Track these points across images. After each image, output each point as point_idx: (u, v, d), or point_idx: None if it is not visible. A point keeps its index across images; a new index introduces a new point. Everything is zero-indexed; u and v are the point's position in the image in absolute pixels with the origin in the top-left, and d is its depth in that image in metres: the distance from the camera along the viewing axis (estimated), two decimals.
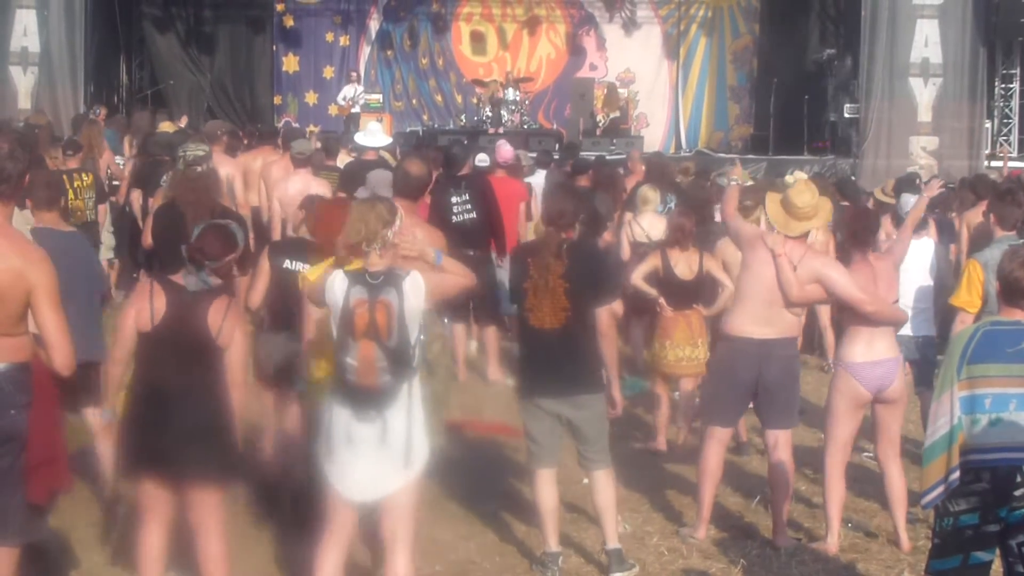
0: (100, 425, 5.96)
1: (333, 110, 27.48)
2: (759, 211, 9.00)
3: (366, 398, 5.63)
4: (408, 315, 5.62)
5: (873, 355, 7.41)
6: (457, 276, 6.09)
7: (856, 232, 7.77)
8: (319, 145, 15.34)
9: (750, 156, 23.97)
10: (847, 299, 7.47)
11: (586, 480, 7.49)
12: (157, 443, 5.76)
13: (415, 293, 5.63)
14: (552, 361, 6.89)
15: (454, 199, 11.49)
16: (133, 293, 6.01)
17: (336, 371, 5.70)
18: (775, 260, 7.36)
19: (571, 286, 6.81)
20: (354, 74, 26.31)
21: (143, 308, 5.79)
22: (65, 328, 5.36)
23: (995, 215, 8.65)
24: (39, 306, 5.24)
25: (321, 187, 11.73)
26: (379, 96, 25.59)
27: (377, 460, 5.64)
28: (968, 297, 7.89)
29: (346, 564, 5.95)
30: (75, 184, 12.66)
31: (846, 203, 12.84)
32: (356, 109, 24.23)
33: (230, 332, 5.79)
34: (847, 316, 7.63)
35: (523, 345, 7.11)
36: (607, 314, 6.99)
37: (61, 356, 5.31)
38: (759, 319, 7.45)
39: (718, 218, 10.14)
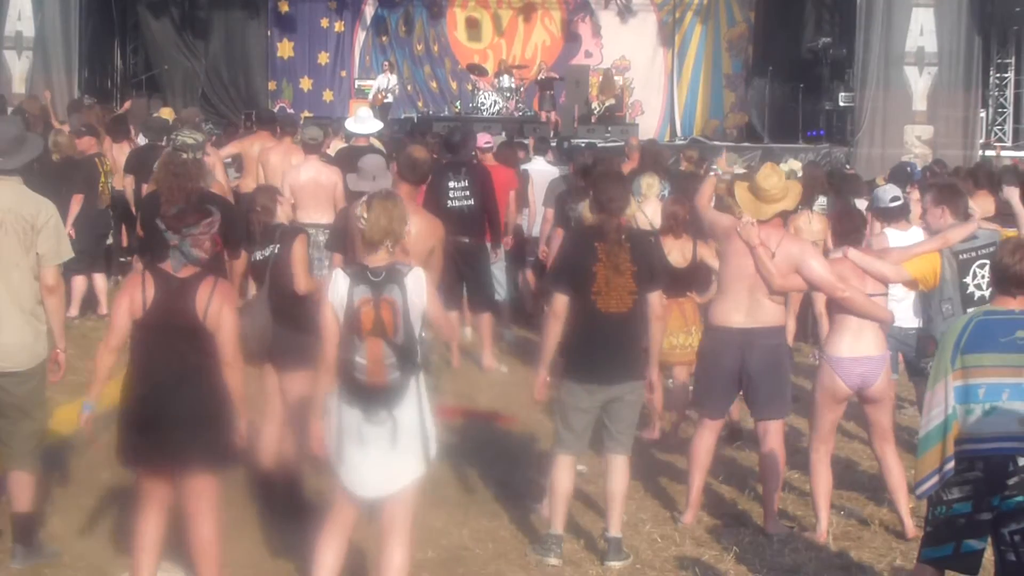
0: (83, 418, 5.89)
1: (328, 96, 27.45)
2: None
3: (375, 397, 5.63)
4: (412, 311, 5.65)
5: (857, 351, 7.41)
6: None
7: (840, 232, 7.87)
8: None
9: (745, 144, 23.98)
10: (820, 285, 7.53)
11: (581, 467, 7.49)
12: (155, 432, 5.75)
13: (417, 289, 5.66)
14: (613, 346, 6.89)
15: (452, 184, 11.44)
16: (126, 281, 6.00)
17: (343, 370, 5.67)
18: (752, 251, 7.40)
19: (637, 270, 6.86)
20: (387, 64, 26.22)
21: (135, 296, 5.80)
22: None
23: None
24: None
25: (332, 174, 11.65)
26: (372, 81, 25.58)
27: (388, 459, 5.65)
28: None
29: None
30: (104, 168, 12.86)
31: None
32: (390, 99, 24.23)
33: (217, 313, 5.79)
34: (832, 306, 7.66)
35: (582, 329, 6.94)
36: (658, 297, 7.05)
37: None
38: (740, 309, 7.50)
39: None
